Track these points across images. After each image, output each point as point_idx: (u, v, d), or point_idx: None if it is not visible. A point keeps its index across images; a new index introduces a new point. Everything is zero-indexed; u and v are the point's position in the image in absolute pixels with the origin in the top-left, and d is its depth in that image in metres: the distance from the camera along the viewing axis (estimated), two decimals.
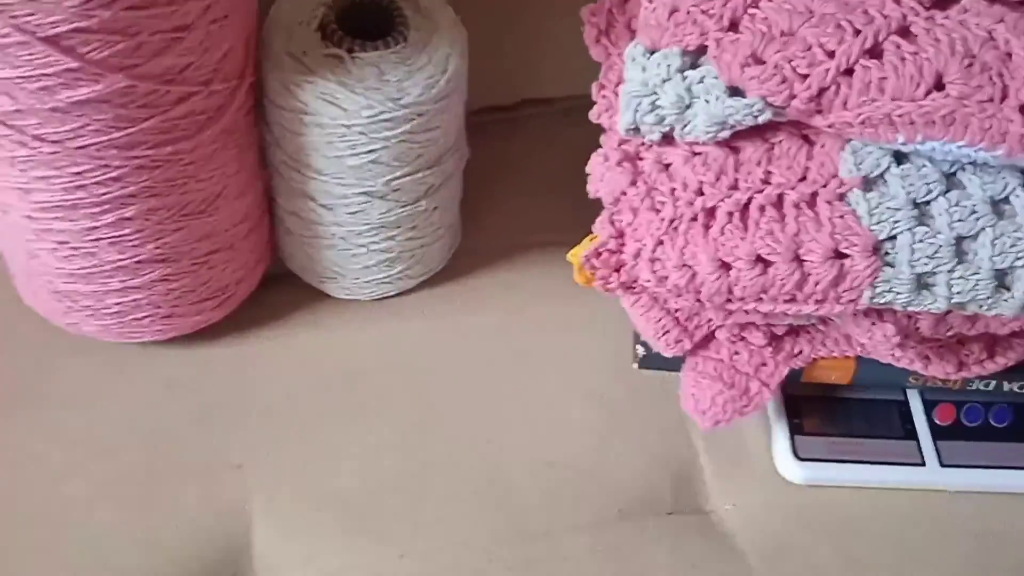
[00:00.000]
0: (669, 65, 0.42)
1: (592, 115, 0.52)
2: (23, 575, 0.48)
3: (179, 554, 0.50)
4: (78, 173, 0.43)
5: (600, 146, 0.50)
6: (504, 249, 0.65)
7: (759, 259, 0.42)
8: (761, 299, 0.43)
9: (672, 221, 0.44)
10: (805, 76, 0.40)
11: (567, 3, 0.60)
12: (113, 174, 0.44)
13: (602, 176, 0.48)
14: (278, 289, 0.60)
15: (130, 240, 0.48)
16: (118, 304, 0.52)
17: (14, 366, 0.55)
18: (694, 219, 0.44)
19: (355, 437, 0.55)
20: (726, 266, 0.43)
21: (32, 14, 0.37)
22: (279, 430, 0.55)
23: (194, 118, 0.44)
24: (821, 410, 0.55)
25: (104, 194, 0.44)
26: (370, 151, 0.50)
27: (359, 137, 0.50)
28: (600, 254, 0.45)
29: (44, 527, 0.50)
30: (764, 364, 0.51)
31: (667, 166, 0.46)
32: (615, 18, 0.55)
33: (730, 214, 0.43)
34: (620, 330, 0.58)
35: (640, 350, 0.54)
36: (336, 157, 0.51)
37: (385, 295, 0.61)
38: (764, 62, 0.41)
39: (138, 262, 0.49)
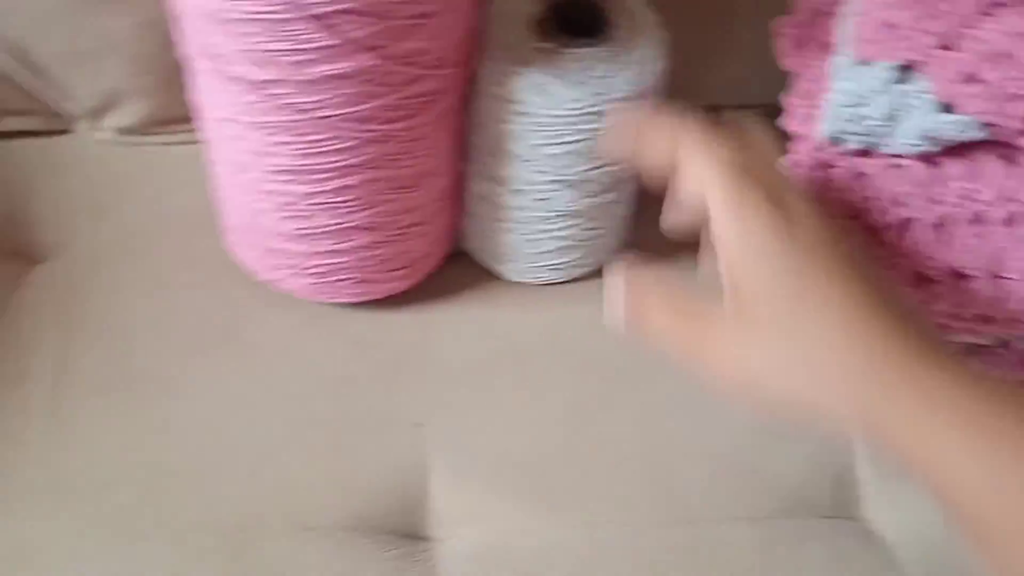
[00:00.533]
0: (881, 78, 0.44)
1: (783, 122, 0.54)
2: (220, 504, 0.53)
3: (365, 501, 0.54)
4: (315, 141, 0.47)
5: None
6: (668, 247, 0.67)
7: (958, 274, 0.43)
8: (957, 315, 0.44)
9: (868, 230, 0.45)
10: (1021, 97, 0.41)
11: (747, 16, 0.62)
12: (346, 144, 0.48)
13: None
14: (456, 266, 0.64)
15: (346, 207, 0.52)
16: (323, 266, 0.56)
17: (220, 314, 0.61)
18: (891, 229, 0.45)
19: (525, 409, 0.58)
20: (924, 279, 0.44)
21: None
22: (455, 395, 0.58)
23: (421, 99, 0.48)
24: None
25: (334, 162, 0.49)
26: (571, 141, 0.53)
27: (564, 127, 0.53)
28: None
29: (242, 462, 0.55)
30: None
31: (862, 175, 0.47)
32: (808, 31, 0.57)
33: (929, 227, 0.44)
34: None
35: None
36: (537, 145, 0.54)
37: (554, 280, 0.64)
38: (980, 80, 0.42)
39: (349, 228, 0.53)
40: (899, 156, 0.45)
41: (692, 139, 0.38)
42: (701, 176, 0.37)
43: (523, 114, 0.53)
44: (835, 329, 0.33)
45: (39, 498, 0.53)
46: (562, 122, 0.52)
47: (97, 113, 0.66)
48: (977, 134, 0.43)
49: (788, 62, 0.56)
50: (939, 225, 0.44)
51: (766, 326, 0.34)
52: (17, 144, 0.67)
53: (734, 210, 0.36)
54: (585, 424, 0.57)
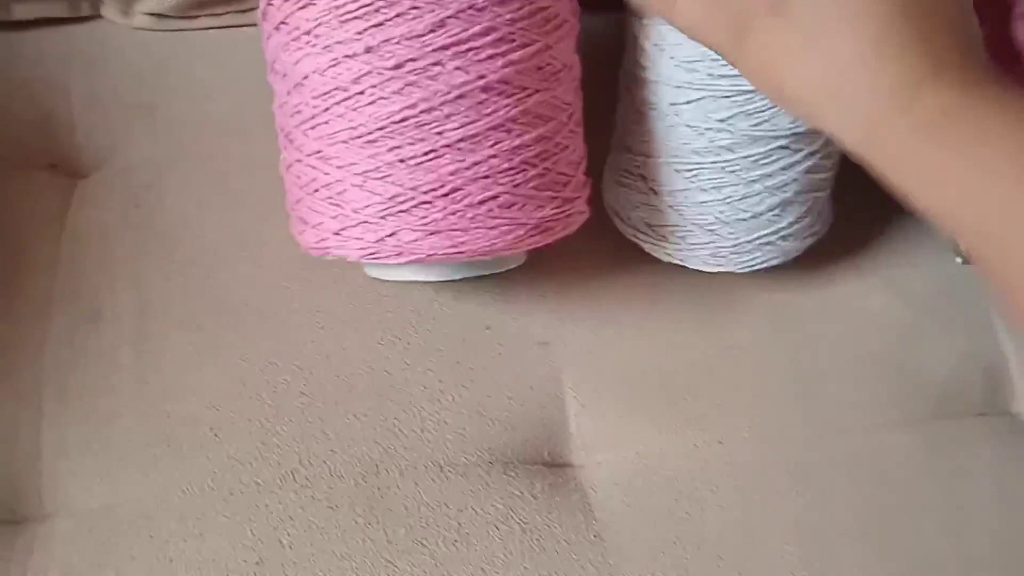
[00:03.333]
0: None
1: None
2: (348, 446, 0.49)
3: (501, 424, 0.50)
4: None
5: None
6: None
7: None
8: None
9: None
10: None
11: None
12: None
13: None
14: None
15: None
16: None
17: None
18: None
19: (652, 321, 0.54)
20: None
21: None
22: (576, 309, 0.54)
23: None
24: None
25: None
26: None
27: None
28: None
29: (364, 398, 0.50)
30: None
31: None
32: None
33: None
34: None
35: None
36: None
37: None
38: None
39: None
40: None
41: None
42: None
43: None
44: (866, 42, 0.33)
45: (144, 454, 0.48)
46: None
47: None
48: None
49: None
50: None
51: (803, 23, 0.34)
52: (37, 35, 0.56)
53: None
54: (720, 333, 0.53)
